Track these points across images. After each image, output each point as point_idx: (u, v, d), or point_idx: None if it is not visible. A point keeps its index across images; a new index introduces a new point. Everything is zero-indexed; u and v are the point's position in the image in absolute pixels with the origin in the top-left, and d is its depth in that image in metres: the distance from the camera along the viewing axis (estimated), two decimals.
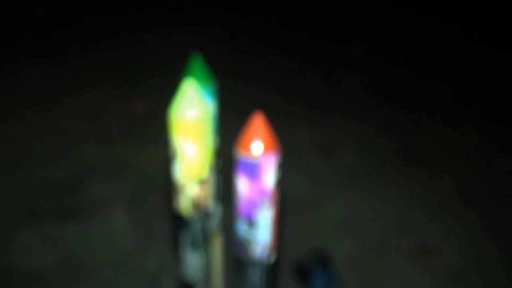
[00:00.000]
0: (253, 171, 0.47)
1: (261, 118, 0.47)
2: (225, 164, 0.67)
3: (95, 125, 1.67)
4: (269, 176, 0.48)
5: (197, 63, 0.60)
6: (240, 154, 0.47)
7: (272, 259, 0.52)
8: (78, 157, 1.55)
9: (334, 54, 2.81)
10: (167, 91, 0.93)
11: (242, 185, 0.48)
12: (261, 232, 0.50)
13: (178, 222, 0.54)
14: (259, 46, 2.71)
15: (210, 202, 0.52)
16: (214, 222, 0.68)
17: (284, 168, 1.78)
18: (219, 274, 0.72)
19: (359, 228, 1.52)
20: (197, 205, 0.51)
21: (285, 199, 1.58)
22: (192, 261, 0.55)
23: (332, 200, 1.65)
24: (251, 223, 0.50)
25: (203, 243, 0.54)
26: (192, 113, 0.47)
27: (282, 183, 0.50)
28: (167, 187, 0.98)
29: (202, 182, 0.49)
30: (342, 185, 1.75)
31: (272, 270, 0.52)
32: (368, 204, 1.64)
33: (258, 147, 0.46)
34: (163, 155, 1.11)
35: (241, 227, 0.51)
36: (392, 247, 1.46)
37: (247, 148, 0.47)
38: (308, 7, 3.27)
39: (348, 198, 1.68)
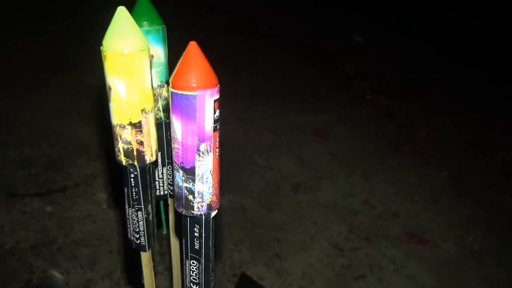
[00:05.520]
0: (187, 108, 0.40)
1: (197, 49, 0.40)
2: None
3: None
4: (207, 115, 0.41)
5: (144, 4, 0.53)
6: (173, 89, 0.40)
7: (212, 214, 0.44)
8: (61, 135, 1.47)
9: (332, 43, 2.74)
10: None
11: (177, 126, 0.41)
12: (199, 183, 0.43)
13: (119, 172, 0.47)
14: (256, 34, 2.65)
15: (148, 153, 0.44)
16: (164, 183, 0.61)
17: (277, 150, 1.64)
18: (174, 240, 0.65)
19: (350, 212, 1.45)
20: (130, 153, 0.43)
21: (278, 182, 1.51)
22: (132, 219, 0.48)
23: (324, 183, 1.58)
24: (187, 171, 0.43)
25: (143, 199, 0.46)
26: (120, 45, 0.40)
27: (223, 127, 0.42)
28: None
29: (134, 127, 0.42)
30: (336, 169, 1.67)
31: (212, 226, 0.45)
32: (360, 189, 1.56)
33: (192, 80, 0.39)
34: None
35: (178, 177, 0.43)
36: (383, 233, 1.38)
37: (180, 82, 0.40)
38: None
39: (340, 182, 1.61)
